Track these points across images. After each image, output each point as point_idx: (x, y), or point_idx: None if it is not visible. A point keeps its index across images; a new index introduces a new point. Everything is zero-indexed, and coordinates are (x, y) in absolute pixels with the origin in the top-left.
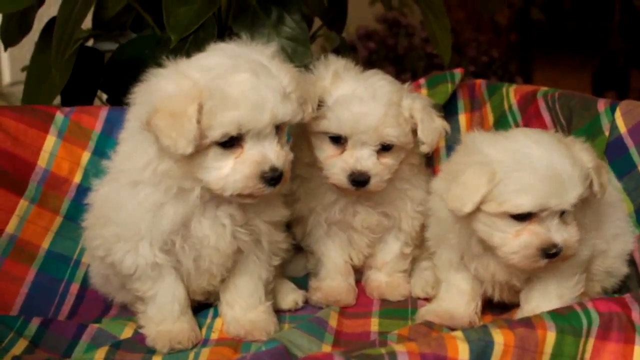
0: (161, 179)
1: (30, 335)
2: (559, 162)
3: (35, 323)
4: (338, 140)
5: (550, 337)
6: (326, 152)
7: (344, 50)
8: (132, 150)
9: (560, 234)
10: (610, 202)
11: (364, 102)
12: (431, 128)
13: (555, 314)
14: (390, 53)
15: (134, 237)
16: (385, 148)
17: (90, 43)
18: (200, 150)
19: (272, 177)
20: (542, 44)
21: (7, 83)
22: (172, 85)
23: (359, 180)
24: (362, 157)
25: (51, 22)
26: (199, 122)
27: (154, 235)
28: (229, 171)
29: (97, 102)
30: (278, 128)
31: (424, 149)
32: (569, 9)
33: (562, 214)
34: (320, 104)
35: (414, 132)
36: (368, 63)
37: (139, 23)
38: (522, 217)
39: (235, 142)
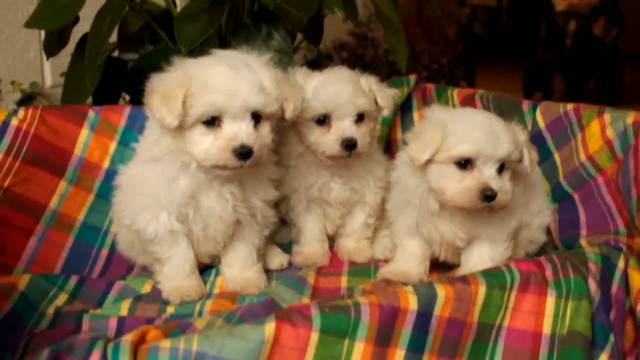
0: (166, 153)
1: (70, 290)
2: (496, 124)
3: (73, 280)
4: (323, 122)
5: (482, 290)
6: (316, 134)
7: (320, 59)
8: (148, 131)
9: (496, 182)
10: (534, 182)
11: (335, 83)
12: (386, 95)
13: (486, 273)
14: (359, 61)
15: (154, 207)
16: (359, 118)
17: (115, 54)
18: (188, 127)
19: (242, 152)
20: (484, 54)
21: (49, 85)
22: (170, 74)
23: (350, 144)
24: (346, 127)
25: (84, 37)
26: (184, 102)
27: (171, 205)
28: (209, 145)
29: (121, 101)
30: (258, 116)
31: (385, 113)
32: (506, 24)
33: (500, 171)
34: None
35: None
36: None
37: (155, 37)
38: (465, 166)
39: (216, 122)
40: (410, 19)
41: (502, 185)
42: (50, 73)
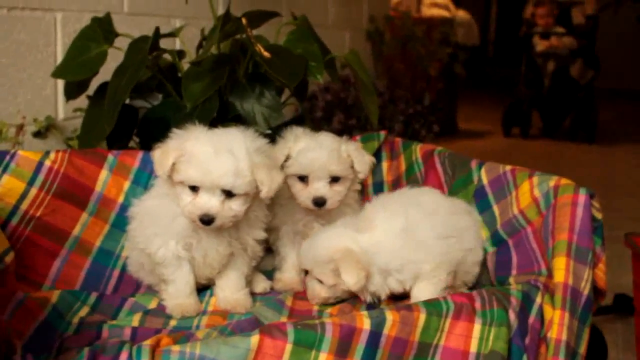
0: (167, 195)
1: (90, 304)
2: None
3: (93, 296)
4: (303, 179)
5: (422, 317)
6: (297, 187)
7: (303, 116)
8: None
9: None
10: (468, 226)
11: (314, 150)
12: (363, 161)
13: (426, 303)
14: (342, 103)
15: (165, 235)
16: (334, 180)
17: (127, 101)
18: (176, 184)
19: (204, 220)
20: (465, 90)
21: (61, 119)
22: (174, 139)
23: (319, 202)
24: (319, 188)
25: (102, 86)
26: (174, 164)
27: (178, 235)
28: (186, 205)
29: (131, 143)
30: (230, 192)
31: (361, 176)
32: (492, 57)
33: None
34: (287, 158)
35: (352, 167)
36: (325, 110)
37: (162, 86)
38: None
39: (195, 189)
40: (395, 56)
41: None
42: (62, 108)
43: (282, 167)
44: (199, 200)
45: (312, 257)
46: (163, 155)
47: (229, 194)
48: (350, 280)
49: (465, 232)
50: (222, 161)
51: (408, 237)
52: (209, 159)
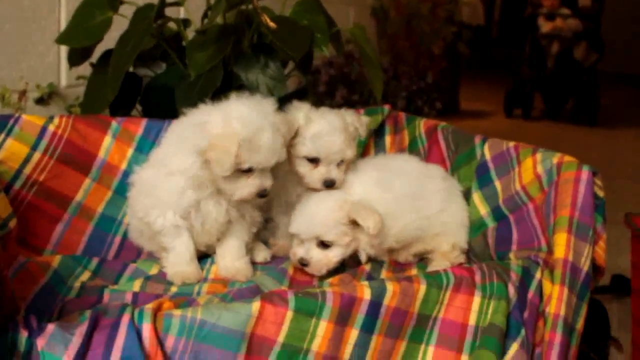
0: (194, 177)
1: (92, 269)
2: (314, 208)
3: (94, 261)
4: (313, 160)
5: (422, 288)
6: (305, 168)
7: (307, 89)
8: (170, 147)
9: (309, 253)
10: (440, 189)
11: (331, 135)
12: (364, 126)
13: (427, 274)
14: (345, 78)
15: (163, 207)
16: (339, 162)
17: (130, 69)
18: (229, 176)
19: (262, 195)
20: (468, 69)
21: (64, 86)
22: (220, 129)
23: (330, 184)
24: (332, 170)
25: (106, 53)
26: (236, 157)
27: (177, 207)
28: (240, 187)
29: (134, 112)
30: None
31: (362, 137)
32: (496, 37)
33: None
34: (295, 136)
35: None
36: (328, 84)
37: (166, 55)
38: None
39: (248, 170)
40: (400, 33)
41: None
42: (65, 75)
43: (290, 145)
44: (258, 181)
45: (320, 221)
46: (224, 152)
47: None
48: (371, 223)
49: (435, 194)
50: (277, 137)
51: (382, 191)
52: (269, 140)
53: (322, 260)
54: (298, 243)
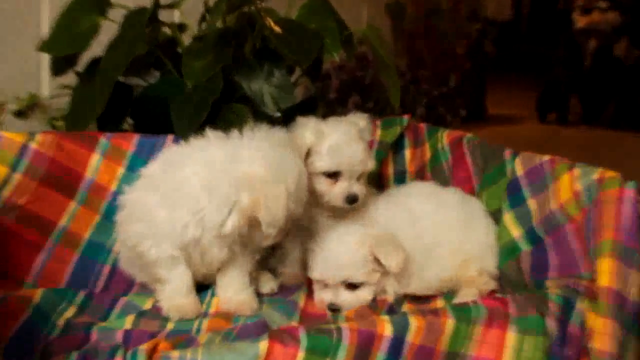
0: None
1: (78, 304)
2: (337, 249)
3: (81, 295)
4: (332, 176)
5: (450, 323)
6: (323, 185)
7: (315, 99)
8: (173, 167)
9: (340, 298)
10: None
11: (350, 146)
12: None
13: (455, 307)
14: (358, 83)
15: (157, 236)
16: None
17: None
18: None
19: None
20: (495, 71)
21: (46, 96)
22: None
23: (353, 200)
24: (352, 184)
25: (93, 62)
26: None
27: (175, 241)
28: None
29: (124, 125)
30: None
31: None
32: (526, 33)
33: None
34: (308, 155)
35: None
36: (339, 91)
37: (160, 63)
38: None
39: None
40: (418, 32)
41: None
42: (47, 85)
43: (306, 164)
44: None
45: (346, 262)
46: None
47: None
48: (394, 261)
49: (454, 228)
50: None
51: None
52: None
53: (355, 302)
54: (321, 287)
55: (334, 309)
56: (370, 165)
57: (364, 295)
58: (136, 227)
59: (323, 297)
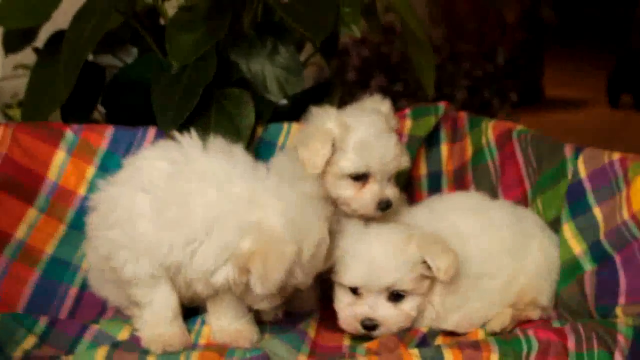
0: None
1: (39, 333)
2: (378, 252)
3: (43, 321)
4: (359, 178)
5: (494, 358)
6: (350, 190)
7: (331, 84)
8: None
9: (378, 312)
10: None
11: (381, 141)
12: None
13: (499, 339)
14: (383, 61)
15: (137, 249)
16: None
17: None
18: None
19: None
20: (555, 43)
21: None
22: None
23: (387, 205)
24: (384, 187)
25: (56, 36)
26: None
27: (157, 258)
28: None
29: (95, 116)
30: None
31: None
32: None
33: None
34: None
35: None
36: (360, 70)
37: (137, 37)
38: (354, 292)
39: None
40: None
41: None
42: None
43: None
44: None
45: (391, 265)
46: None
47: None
48: (443, 264)
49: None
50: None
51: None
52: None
53: (398, 317)
54: (350, 300)
55: (371, 326)
56: (406, 161)
57: (408, 309)
58: (111, 234)
59: (356, 311)
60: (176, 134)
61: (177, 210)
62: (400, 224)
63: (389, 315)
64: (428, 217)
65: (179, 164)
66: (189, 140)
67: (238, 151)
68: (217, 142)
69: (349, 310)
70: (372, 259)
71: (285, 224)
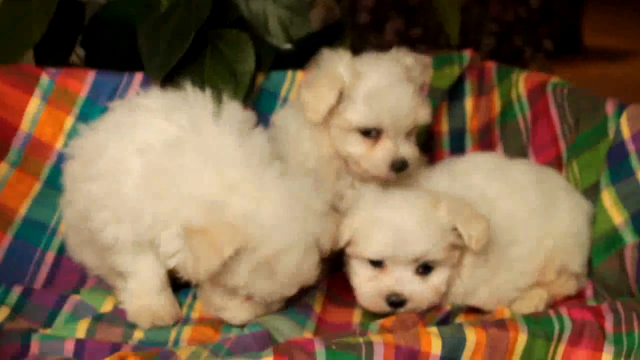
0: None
1: (12, 303)
2: (406, 220)
3: (16, 291)
4: (370, 133)
5: (522, 339)
6: (360, 147)
7: (343, 24)
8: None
9: (406, 285)
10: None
11: (395, 90)
12: (428, 68)
13: (528, 318)
14: (399, 5)
15: (120, 211)
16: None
17: None
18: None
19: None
20: None
21: None
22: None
23: (402, 166)
24: (399, 144)
25: None
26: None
27: (140, 230)
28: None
29: (73, 57)
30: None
31: None
32: None
33: (425, 268)
34: (339, 101)
35: None
36: (373, 12)
37: None
38: (376, 265)
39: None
40: None
41: (417, 289)
42: None
43: (332, 115)
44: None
45: (422, 233)
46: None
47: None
48: (475, 230)
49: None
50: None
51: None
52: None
53: (428, 292)
54: (372, 274)
55: (398, 302)
56: (424, 116)
57: (438, 283)
58: (92, 187)
59: (381, 286)
60: (187, 87)
61: (167, 182)
62: (421, 188)
63: (419, 290)
64: (448, 181)
65: (185, 130)
66: (200, 101)
67: (250, 121)
68: (230, 109)
69: (371, 286)
70: (400, 227)
71: (255, 219)
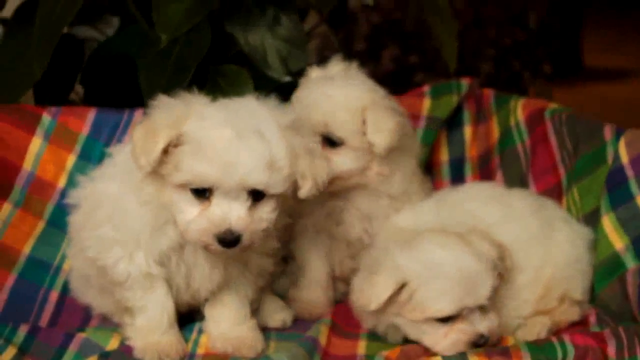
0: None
1: (19, 343)
2: (467, 263)
3: (23, 330)
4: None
5: None
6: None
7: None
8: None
9: (484, 325)
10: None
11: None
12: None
13: (531, 345)
14: (396, 29)
15: (130, 243)
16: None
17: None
18: (170, 188)
19: (226, 240)
20: (595, 3)
21: None
22: (160, 112)
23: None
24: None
25: (27, 5)
26: (166, 151)
27: (152, 248)
28: (192, 219)
29: (73, 97)
30: (259, 193)
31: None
32: None
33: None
34: None
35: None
36: (370, 40)
37: (123, 6)
38: (446, 319)
39: (206, 193)
40: None
41: (490, 325)
42: None
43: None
44: (214, 212)
45: (489, 276)
46: (149, 136)
47: (256, 197)
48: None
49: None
50: (250, 147)
51: None
52: (230, 146)
53: (497, 326)
54: (441, 323)
55: (481, 343)
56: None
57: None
58: (100, 232)
59: (467, 329)
60: None
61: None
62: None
63: (494, 327)
64: (440, 210)
65: None
66: None
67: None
68: None
69: (453, 335)
70: (466, 276)
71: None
